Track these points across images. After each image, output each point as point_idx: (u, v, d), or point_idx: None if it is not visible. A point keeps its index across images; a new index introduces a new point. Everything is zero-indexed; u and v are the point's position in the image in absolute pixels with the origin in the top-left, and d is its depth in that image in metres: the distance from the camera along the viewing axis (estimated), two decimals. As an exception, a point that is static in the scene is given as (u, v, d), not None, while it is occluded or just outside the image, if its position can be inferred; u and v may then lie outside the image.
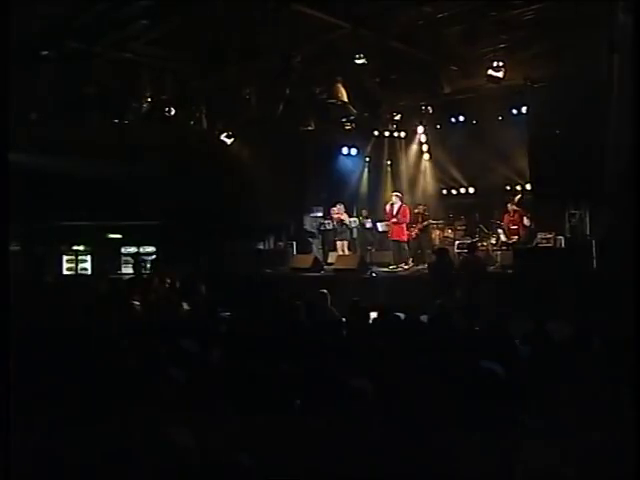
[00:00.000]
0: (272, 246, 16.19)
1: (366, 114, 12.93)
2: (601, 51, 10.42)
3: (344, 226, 14.66)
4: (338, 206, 14.87)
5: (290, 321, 6.80)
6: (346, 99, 10.87)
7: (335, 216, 14.72)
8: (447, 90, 11.48)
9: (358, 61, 9.70)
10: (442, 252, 10.76)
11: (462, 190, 17.27)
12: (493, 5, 9.97)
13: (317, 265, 13.05)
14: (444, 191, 17.57)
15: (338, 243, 14.65)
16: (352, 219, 14.92)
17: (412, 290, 10.30)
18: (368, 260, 12.64)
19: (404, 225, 13.53)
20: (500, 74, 10.40)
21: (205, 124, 12.65)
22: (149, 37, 10.58)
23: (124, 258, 15.86)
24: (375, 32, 10.14)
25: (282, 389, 4.52)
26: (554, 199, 13.29)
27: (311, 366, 4.40)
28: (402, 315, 6.10)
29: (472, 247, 11.45)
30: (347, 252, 14.45)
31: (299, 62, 10.39)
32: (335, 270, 12.43)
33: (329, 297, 8.91)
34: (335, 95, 10.83)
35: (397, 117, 13.79)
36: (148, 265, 15.57)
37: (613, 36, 10.05)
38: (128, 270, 15.37)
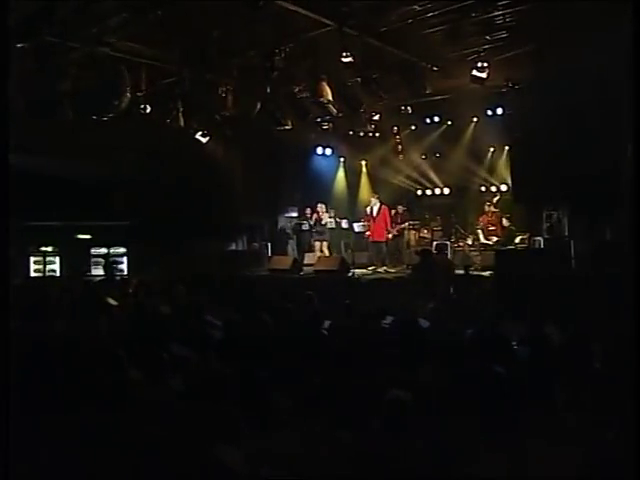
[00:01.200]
0: (246, 247, 15.91)
1: (346, 114, 12.73)
2: (583, 52, 10.50)
3: (324, 226, 14.48)
4: (319, 206, 14.70)
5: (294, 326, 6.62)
6: (331, 98, 10.70)
7: (316, 216, 14.54)
8: (428, 90, 11.43)
9: (345, 59, 9.49)
10: (426, 254, 10.68)
11: (437, 191, 17.29)
12: (475, 6, 9.95)
13: (296, 267, 12.85)
14: (419, 192, 17.56)
15: (317, 244, 14.47)
16: (331, 219, 14.77)
17: (398, 292, 10.16)
18: (350, 261, 12.46)
19: (384, 226, 13.42)
20: (484, 75, 10.35)
21: (182, 122, 12.31)
22: (126, 32, 10.28)
23: (94, 259, 15.40)
24: (358, 30, 10.02)
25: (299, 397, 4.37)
26: (534, 200, 13.37)
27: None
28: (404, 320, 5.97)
29: (440, 248, 11.49)
30: (327, 253, 14.29)
31: (280, 60, 10.18)
32: (316, 272, 12.24)
33: (316, 299, 8.78)
34: (320, 94, 10.65)
35: (376, 117, 13.65)
36: (119, 266, 15.17)
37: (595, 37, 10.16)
38: (99, 272, 14.94)
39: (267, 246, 15.91)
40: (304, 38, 10.36)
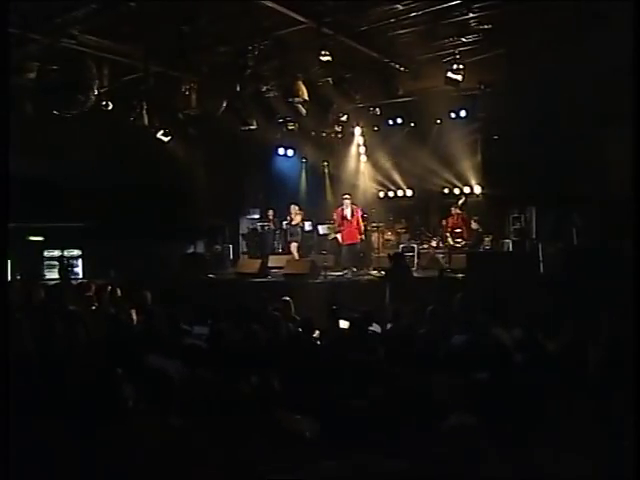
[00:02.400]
0: (207, 249, 15.48)
1: (314, 114, 12.50)
2: (554, 54, 10.58)
3: (296, 228, 14.22)
4: (292, 207, 14.43)
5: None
6: (307, 97, 10.44)
7: (289, 217, 14.27)
8: (400, 92, 11.31)
9: (323, 58, 9.24)
10: (399, 257, 10.56)
11: (400, 192, 17.23)
12: (450, 9, 9.88)
13: (264, 270, 12.52)
14: (381, 193, 17.46)
15: (293, 245, 14.20)
16: (308, 221, 14.59)
17: (375, 295, 9.99)
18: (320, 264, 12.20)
19: (357, 228, 13.22)
20: (459, 77, 10.28)
21: (146, 120, 11.83)
22: (89, 24, 9.79)
23: (47, 262, 14.72)
24: (332, 30, 9.81)
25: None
26: (504, 202, 13.48)
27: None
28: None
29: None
30: (296, 255, 14.00)
31: (253, 57, 9.88)
32: (285, 275, 11.94)
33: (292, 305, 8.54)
34: (296, 93, 10.37)
35: (343, 118, 13.45)
36: (75, 269, 14.56)
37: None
38: (53, 275, 14.28)
39: (229, 248, 15.52)
40: (277, 36, 10.11)
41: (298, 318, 7.87)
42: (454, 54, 10.33)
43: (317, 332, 6.53)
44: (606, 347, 5.60)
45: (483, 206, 14.86)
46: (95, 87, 9.28)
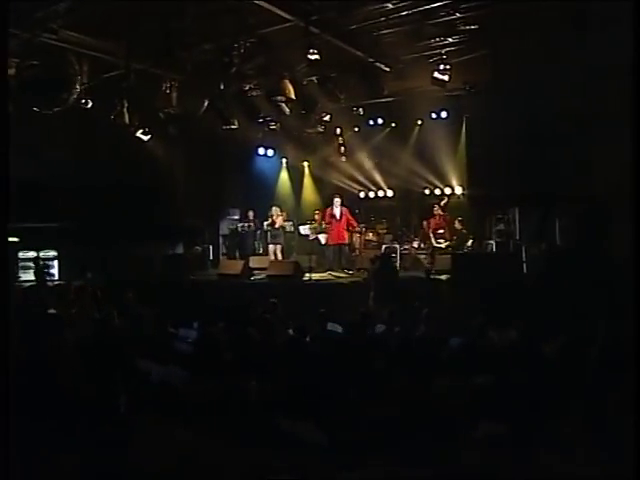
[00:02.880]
0: (187, 250, 15.20)
1: (298, 114, 12.38)
2: (539, 55, 10.61)
3: (279, 230, 14.04)
4: (274, 208, 14.26)
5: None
6: (293, 96, 10.30)
7: (271, 219, 14.09)
8: (386, 91, 11.25)
9: (311, 56, 9.11)
10: (386, 258, 10.48)
11: (380, 193, 17.17)
12: (434, 9, 9.83)
13: (247, 271, 12.33)
14: (362, 194, 17.39)
15: (271, 247, 14.02)
16: (289, 222, 14.41)
17: (361, 297, 9.89)
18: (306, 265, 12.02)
19: (345, 228, 13.11)
20: (446, 77, 10.25)
21: (127, 118, 11.59)
22: (69, 20, 9.52)
23: (22, 263, 14.31)
24: (319, 28, 9.69)
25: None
26: (487, 202, 13.49)
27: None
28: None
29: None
30: (280, 257, 13.83)
31: (239, 55, 9.72)
32: (269, 277, 11.76)
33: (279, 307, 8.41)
34: (283, 92, 10.23)
35: (326, 118, 13.33)
36: (51, 271, 14.19)
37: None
38: (28, 277, 13.89)
39: (209, 249, 15.30)
40: (261, 34, 9.95)
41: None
42: (440, 54, 10.28)
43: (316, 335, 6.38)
44: (600, 347, 5.61)
45: (465, 207, 14.87)
46: (78, 84, 9.01)
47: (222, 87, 11.46)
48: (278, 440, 3.96)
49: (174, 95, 12.25)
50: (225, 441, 3.84)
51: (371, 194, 17.32)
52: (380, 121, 15.65)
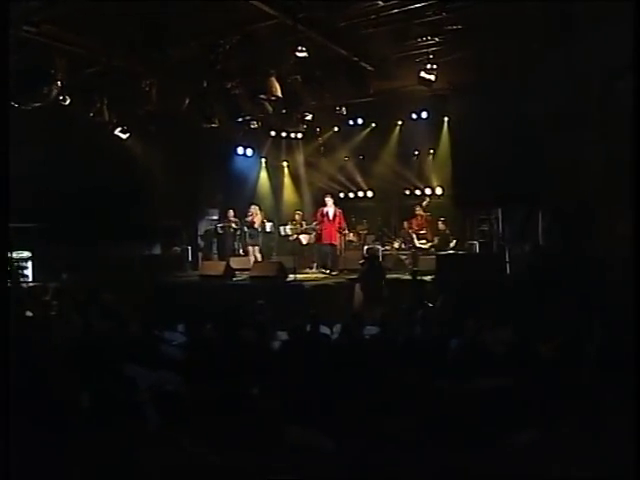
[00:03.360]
0: (165, 251, 14.91)
1: (279, 113, 12.19)
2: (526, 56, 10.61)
3: (257, 230, 13.84)
4: (253, 208, 14.04)
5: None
6: (280, 94, 10.13)
7: (250, 218, 13.87)
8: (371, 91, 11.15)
9: (300, 54, 8.96)
10: (372, 258, 10.38)
11: (360, 193, 17.09)
12: (421, 8, 9.75)
13: (229, 272, 12.10)
14: (341, 194, 17.28)
15: (249, 248, 13.81)
16: (270, 223, 14.19)
17: (348, 298, 9.78)
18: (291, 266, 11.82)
19: (337, 229, 12.94)
20: (432, 77, 10.18)
21: (107, 115, 11.31)
22: (47, 14, 9.22)
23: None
24: (306, 26, 9.55)
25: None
26: (468, 203, 13.46)
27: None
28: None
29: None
30: (259, 258, 13.63)
31: (224, 52, 9.52)
32: (252, 278, 11.55)
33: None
34: (269, 90, 10.04)
35: (308, 117, 13.16)
36: (25, 272, 13.79)
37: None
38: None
39: (188, 250, 15.04)
40: (247, 31, 9.77)
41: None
42: (427, 54, 10.20)
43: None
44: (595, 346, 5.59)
45: (445, 207, 14.83)
46: (59, 79, 8.73)
47: (205, 85, 11.20)
48: (285, 449, 3.83)
49: (154, 93, 12.02)
50: (226, 451, 3.67)
51: (351, 194, 17.21)
52: (360, 121, 15.60)
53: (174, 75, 11.34)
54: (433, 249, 13.05)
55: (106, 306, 9.31)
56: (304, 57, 9.00)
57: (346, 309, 9.44)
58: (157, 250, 14.93)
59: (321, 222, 12.96)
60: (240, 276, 12.31)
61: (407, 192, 16.22)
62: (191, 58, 10.46)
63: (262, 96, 10.28)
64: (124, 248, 14.11)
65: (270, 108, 11.52)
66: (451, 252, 12.41)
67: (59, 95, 10.47)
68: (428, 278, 11.09)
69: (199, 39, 9.76)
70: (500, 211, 12.76)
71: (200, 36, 9.73)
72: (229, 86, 11.76)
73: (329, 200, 13.18)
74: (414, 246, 13.34)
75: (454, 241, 12.87)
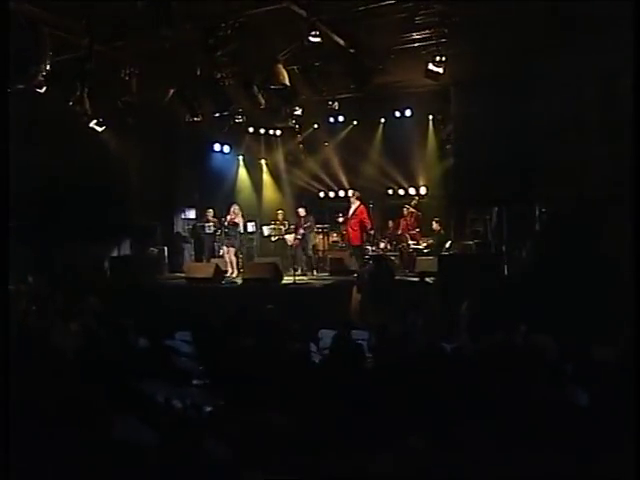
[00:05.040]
0: (141, 251, 14.00)
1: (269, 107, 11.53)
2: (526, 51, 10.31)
3: (238, 230, 13.12)
4: (233, 207, 13.29)
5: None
6: (288, 83, 9.45)
7: (230, 217, 13.13)
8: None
9: (313, 39, 8.34)
10: (380, 259, 9.87)
11: (341, 193, 16.55)
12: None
13: (220, 275, 11.32)
14: (321, 193, 16.73)
15: (225, 249, 13.05)
16: (251, 223, 13.40)
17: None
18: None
19: (360, 228, 12.17)
20: (441, 69, 9.73)
21: (88, 105, 10.45)
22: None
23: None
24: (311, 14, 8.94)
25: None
26: (457, 203, 13.11)
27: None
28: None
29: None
30: (233, 259, 12.86)
31: (225, 37, 8.82)
32: (244, 280, 10.83)
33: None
34: (277, 79, 9.35)
35: (298, 112, 12.52)
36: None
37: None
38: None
39: (164, 250, 14.20)
40: (247, 16, 9.08)
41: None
42: (436, 45, 9.74)
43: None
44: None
45: (432, 207, 14.45)
46: (48, 59, 7.88)
47: (198, 72, 10.44)
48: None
49: (134, 82, 11.24)
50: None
51: (331, 194, 16.66)
52: (341, 119, 15.10)
53: (161, 62, 10.58)
54: (427, 250, 12.64)
55: (96, 313, 8.51)
56: (317, 42, 8.31)
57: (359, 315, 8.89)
58: (133, 250, 14.00)
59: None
60: (229, 278, 11.60)
61: (390, 192, 15.78)
62: (184, 43, 9.70)
63: (272, 86, 9.53)
64: (96, 248, 13.21)
65: (263, 101, 10.87)
66: (452, 253, 11.90)
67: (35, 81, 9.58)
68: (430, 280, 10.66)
69: (197, 22, 8.99)
70: (494, 211, 12.42)
71: (198, 19, 8.99)
72: (219, 76, 11.05)
73: (353, 197, 12.32)
74: (408, 246, 12.89)
75: (449, 242, 12.42)
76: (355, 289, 10.11)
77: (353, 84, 10.40)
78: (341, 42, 9.96)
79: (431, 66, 9.70)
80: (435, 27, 9.66)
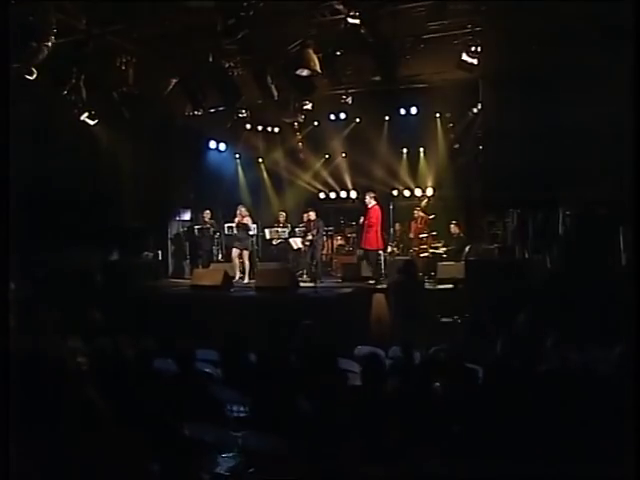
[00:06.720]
0: (135, 256, 12.95)
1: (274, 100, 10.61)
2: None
3: (246, 232, 12.18)
4: (241, 208, 12.34)
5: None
6: (319, 69, 8.55)
7: (237, 219, 12.20)
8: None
9: (352, 20, 7.47)
10: (409, 266, 9.05)
11: (343, 194, 15.73)
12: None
13: (228, 282, 10.34)
14: (321, 194, 15.88)
15: (235, 251, 12.10)
16: (253, 225, 12.44)
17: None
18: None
19: (376, 230, 11.14)
20: (475, 60, 8.96)
21: (84, 94, 9.47)
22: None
23: None
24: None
25: None
26: (474, 205, 12.48)
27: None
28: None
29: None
30: (247, 263, 11.96)
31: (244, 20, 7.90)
32: (257, 288, 9.88)
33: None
34: (307, 63, 8.43)
35: (308, 106, 11.61)
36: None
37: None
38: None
39: (158, 255, 13.19)
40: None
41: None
42: (470, 34, 8.96)
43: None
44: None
45: (442, 209, 13.70)
46: (52, 35, 6.91)
47: (202, 62, 9.51)
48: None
49: (131, 72, 10.28)
50: None
51: (332, 195, 15.83)
52: (343, 116, 14.22)
53: (164, 48, 9.64)
54: (444, 255, 11.89)
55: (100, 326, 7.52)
56: (355, 24, 7.45)
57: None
58: (123, 255, 12.92)
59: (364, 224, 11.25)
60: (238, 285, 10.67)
61: (394, 192, 15.01)
62: (192, 27, 8.77)
63: (302, 72, 8.60)
64: (85, 252, 12.14)
65: (276, 92, 10.00)
66: (481, 258, 11.06)
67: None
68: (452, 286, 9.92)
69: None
70: (516, 214, 11.73)
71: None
72: (227, 65, 10.14)
73: (368, 197, 11.36)
74: (421, 250, 12.13)
75: (468, 246, 11.65)
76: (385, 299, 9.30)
77: (379, 76, 9.51)
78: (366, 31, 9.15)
79: (465, 56, 8.90)
80: (468, 15, 8.94)
